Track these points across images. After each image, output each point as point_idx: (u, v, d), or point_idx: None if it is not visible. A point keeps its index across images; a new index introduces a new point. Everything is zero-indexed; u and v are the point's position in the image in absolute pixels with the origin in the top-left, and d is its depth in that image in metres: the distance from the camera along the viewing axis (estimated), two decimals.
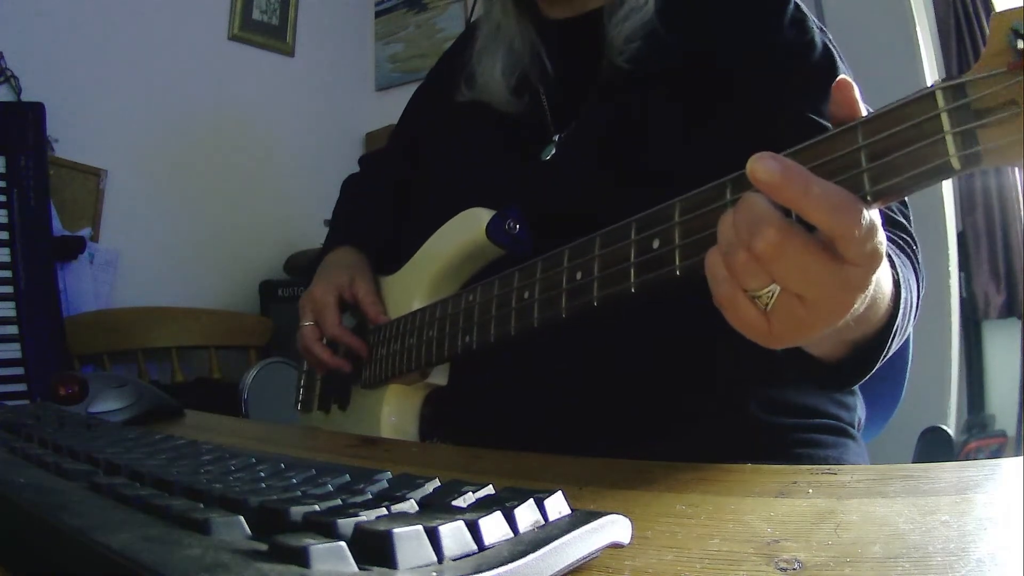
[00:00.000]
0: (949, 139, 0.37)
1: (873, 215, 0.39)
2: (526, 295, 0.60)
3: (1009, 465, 0.41)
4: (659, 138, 0.70)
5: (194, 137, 2.44)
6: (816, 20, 0.72)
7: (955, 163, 0.37)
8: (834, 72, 0.68)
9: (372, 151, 1.10)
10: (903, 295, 0.51)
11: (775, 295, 0.41)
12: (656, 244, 0.50)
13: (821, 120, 0.63)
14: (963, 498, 0.36)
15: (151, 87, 2.32)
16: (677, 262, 0.48)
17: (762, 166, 0.38)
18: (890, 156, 0.39)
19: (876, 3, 1.87)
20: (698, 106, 0.69)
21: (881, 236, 0.40)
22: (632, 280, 0.51)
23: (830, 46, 0.70)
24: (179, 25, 2.41)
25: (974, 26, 2.03)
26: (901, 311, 0.51)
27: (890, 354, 0.54)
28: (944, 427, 1.67)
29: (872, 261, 0.40)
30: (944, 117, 0.38)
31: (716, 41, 0.71)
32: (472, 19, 0.94)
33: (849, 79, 0.42)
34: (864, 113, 0.41)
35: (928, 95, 0.38)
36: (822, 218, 0.38)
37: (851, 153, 0.40)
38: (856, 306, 0.42)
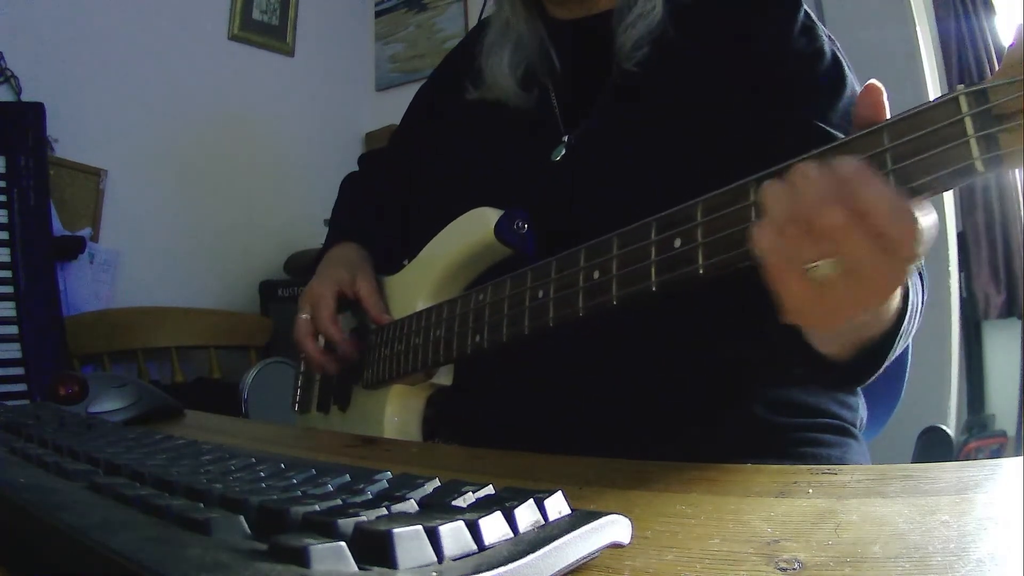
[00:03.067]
0: (973, 143, 0.38)
1: (926, 218, 0.40)
2: (540, 294, 0.60)
3: (1009, 465, 0.41)
4: (666, 142, 0.70)
5: (194, 137, 2.44)
6: (824, 29, 0.73)
7: (979, 166, 0.38)
8: (842, 81, 0.68)
9: (372, 150, 1.10)
10: (911, 297, 0.52)
11: (830, 269, 0.41)
12: (678, 243, 0.50)
13: (828, 128, 0.63)
14: (963, 498, 0.36)
15: (151, 87, 2.32)
16: (700, 261, 0.49)
17: (843, 158, 0.40)
18: (915, 158, 0.40)
19: (876, 4, 1.87)
20: (705, 111, 0.69)
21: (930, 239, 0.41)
22: (653, 279, 0.52)
23: (839, 55, 0.70)
24: (179, 25, 2.41)
25: (974, 27, 2.03)
26: (909, 313, 0.52)
27: (896, 354, 0.54)
28: (943, 427, 1.67)
29: (918, 259, 0.41)
30: (967, 121, 0.39)
31: (725, 47, 0.71)
32: (481, 17, 0.94)
33: (879, 84, 0.43)
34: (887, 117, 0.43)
35: (952, 100, 0.39)
36: (884, 222, 0.39)
37: (877, 155, 0.42)
38: (899, 290, 0.43)
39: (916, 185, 0.40)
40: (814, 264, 0.42)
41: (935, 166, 0.40)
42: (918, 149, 0.40)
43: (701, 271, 0.49)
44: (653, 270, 0.52)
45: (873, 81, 0.43)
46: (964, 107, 0.39)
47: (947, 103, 0.40)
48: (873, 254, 0.40)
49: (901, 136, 0.41)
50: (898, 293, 0.50)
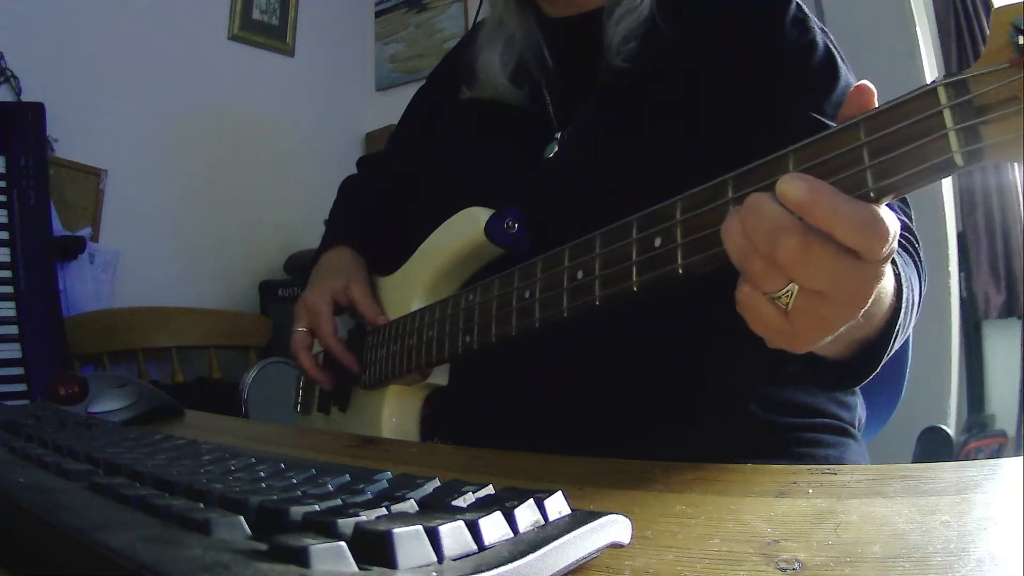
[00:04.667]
0: (952, 136, 0.37)
1: (892, 222, 0.39)
2: (527, 295, 0.60)
3: (1009, 465, 0.41)
4: (659, 138, 0.70)
5: (194, 137, 2.44)
6: (817, 20, 0.72)
7: (958, 160, 0.37)
8: (835, 72, 0.68)
9: (370, 153, 1.10)
10: (905, 294, 0.51)
11: (794, 294, 0.41)
12: (658, 242, 0.50)
13: (823, 119, 0.63)
14: (963, 498, 0.36)
15: (151, 87, 2.32)
16: (679, 260, 0.48)
17: (790, 187, 0.39)
18: (892, 153, 0.39)
19: (876, 3, 1.87)
20: (698, 106, 0.69)
21: (896, 237, 0.40)
22: (634, 279, 0.51)
23: (831, 46, 0.70)
24: (179, 25, 2.41)
25: (974, 26, 2.03)
26: (903, 309, 0.51)
27: (892, 352, 0.54)
28: (944, 427, 1.67)
29: (888, 257, 0.41)
30: (947, 113, 0.37)
31: (717, 41, 0.71)
32: (477, 20, 0.94)
33: (870, 85, 0.42)
34: None
35: (930, 91, 0.38)
36: (850, 236, 0.39)
37: (853, 150, 0.40)
38: (873, 296, 0.42)
39: (894, 181, 0.39)
40: (778, 294, 0.42)
41: (912, 161, 0.38)
42: (895, 144, 0.39)
43: (680, 271, 0.48)
44: (634, 270, 0.51)
45: (864, 82, 0.42)
46: (943, 99, 0.38)
47: (925, 95, 0.38)
48: (833, 273, 0.40)
49: (878, 131, 0.40)
50: (890, 291, 0.50)
